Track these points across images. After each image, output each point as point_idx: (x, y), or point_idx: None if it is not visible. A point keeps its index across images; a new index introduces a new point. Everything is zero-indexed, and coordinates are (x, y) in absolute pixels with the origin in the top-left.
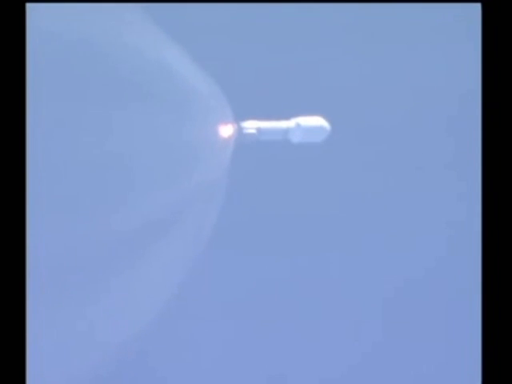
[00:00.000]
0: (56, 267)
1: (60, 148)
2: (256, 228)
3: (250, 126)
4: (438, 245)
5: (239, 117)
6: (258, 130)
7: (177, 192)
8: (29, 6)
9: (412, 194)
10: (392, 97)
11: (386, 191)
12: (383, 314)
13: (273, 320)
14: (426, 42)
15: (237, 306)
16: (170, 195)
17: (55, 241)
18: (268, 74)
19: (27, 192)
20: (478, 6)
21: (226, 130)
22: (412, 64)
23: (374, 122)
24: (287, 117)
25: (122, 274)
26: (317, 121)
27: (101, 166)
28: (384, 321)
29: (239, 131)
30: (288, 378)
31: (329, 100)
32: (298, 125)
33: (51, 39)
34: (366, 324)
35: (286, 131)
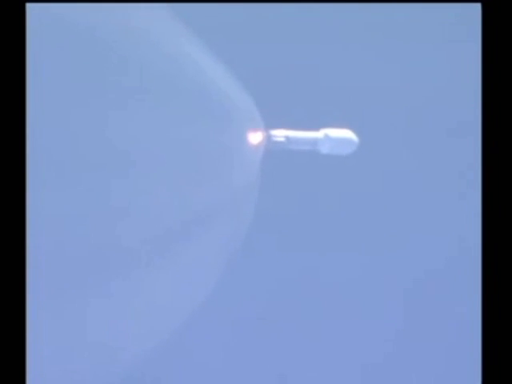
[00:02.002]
0: (75, 268)
1: (73, 148)
2: (283, 232)
3: (279, 134)
4: (443, 246)
5: (268, 124)
6: (287, 138)
7: (206, 197)
8: (29, 6)
9: (412, 199)
10: (392, 97)
11: (401, 199)
12: (387, 313)
13: (303, 322)
14: (425, 42)
15: (269, 310)
16: (199, 200)
17: (72, 240)
18: (298, 81)
19: (27, 191)
20: (477, 6)
21: (256, 137)
22: (412, 64)
23: (375, 125)
24: (317, 127)
25: (145, 278)
26: (345, 133)
27: (123, 169)
28: (385, 320)
29: (268, 139)
30: (289, 379)
31: (354, 110)
32: (327, 136)
33: (51, 39)
34: (367, 325)
35: (315, 141)
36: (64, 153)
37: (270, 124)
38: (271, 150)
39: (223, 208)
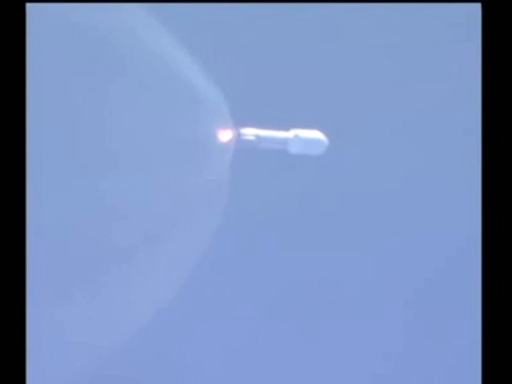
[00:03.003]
0: (52, 266)
1: (58, 148)
2: (253, 230)
3: (249, 132)
4: (440, 248)
5: (239, 122)
6: (257, 137)
7: (175, 194)
8: (29, 6)
9: (412, 199)
10: (391, 97)
11: (385, 197)
12: (385, 316)
13: (267, 324)
14: (425, 42)
15: (240, 307)
16: (168, 197)
17: (52, 238)
18: (271, 80)
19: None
20: (478, 6)
21: (226, 135)
22: (411, 64)
23: (375, 125)
24: (287, 126)
25: (119, 274)
26: (315, 134)
27: (95, 165)
28: (383, 324)
29: (238, 137)
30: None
31: (331, 108)
32: (297, 136)
33: (51, 39)
34: (367, 327)
35: (285, 141)
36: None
37: (241, 122)
38: (242, 148)
39: (192, 205)
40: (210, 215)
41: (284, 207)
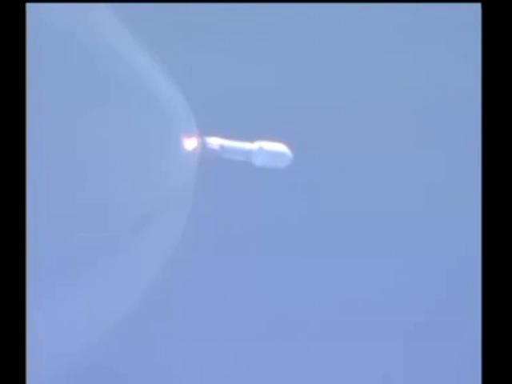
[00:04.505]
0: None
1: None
2: (215, 238)
3: (214, 142)
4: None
5: (205, 131)
6: (221, 147)
7: (139, 201)
8: (29, 6)
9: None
10: (390, 97)
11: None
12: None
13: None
14: (425, 42)
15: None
16: (132, 204)
17: None
18: (239, 90)
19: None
20: (478, 6)
21: (190, 143)
22: (411, 64)
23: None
24: (253, 138)
25: (87, 280)
26: (280, 147)
27: (57, 172)
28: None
29: (203, 146)
30: None
31: (305, 118)
32: (261, 148)
33: (51, 39)
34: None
35: (249, 153)
36: None
37: (208, 131)
38: (207, 157)
39: (156, 213)
40: (173, 223)
41: (246, 218)
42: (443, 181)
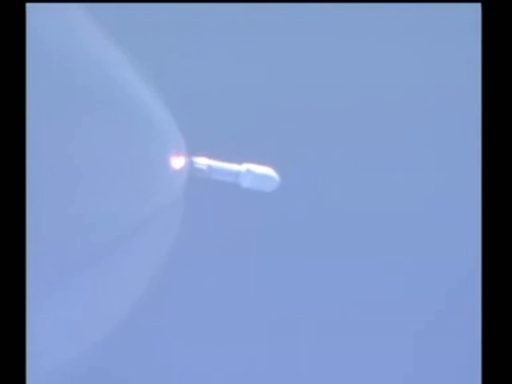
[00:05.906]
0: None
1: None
2: (200, 256)
3: (202, 162)
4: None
5: (193, 151)
6: (209, 167)
7: (126, 217)
8: (29, 6)
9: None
10: (390, 97)
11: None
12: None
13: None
14: (425, 41)
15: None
16: (118, 221)
17: None
18: (231, 108)
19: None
20: (478, 6)
21: (177, 162)
22: (411, 64)
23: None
24: (241, 160)
25: (76, 292)
26: (267, 170)
27: (44, 185)
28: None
29: (190, 165)
30: None
31: (295, 139)
32: (249, 171)
33: (51, 39)
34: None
35: (237, 174)
36: None
37: (195, 151)
38: (192, 176)
39: (143, 230)
40: (161, 241)
41: (231, 237)
42: (443, 181)
